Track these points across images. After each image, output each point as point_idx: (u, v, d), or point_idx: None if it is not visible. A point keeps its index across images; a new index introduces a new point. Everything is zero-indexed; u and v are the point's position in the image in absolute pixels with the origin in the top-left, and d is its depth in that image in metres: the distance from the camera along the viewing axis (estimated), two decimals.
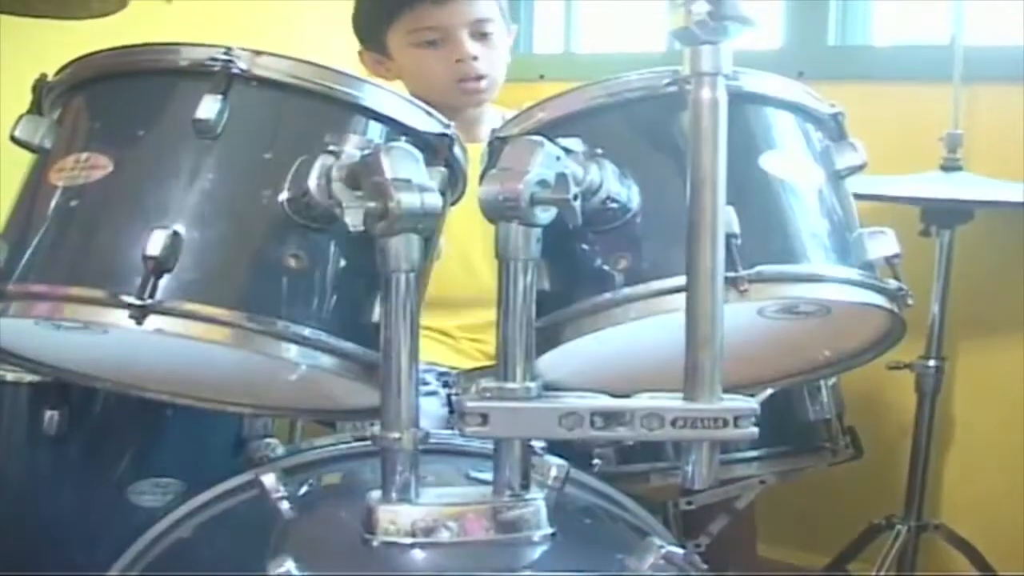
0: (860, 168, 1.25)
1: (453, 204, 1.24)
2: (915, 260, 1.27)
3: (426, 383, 1.70)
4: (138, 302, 1.04)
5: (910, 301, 1.20)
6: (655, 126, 1.18)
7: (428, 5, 1.87)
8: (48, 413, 1.50)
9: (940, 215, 2.02)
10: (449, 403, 1.67)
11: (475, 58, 1.87)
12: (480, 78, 1.89)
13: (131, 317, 1.05)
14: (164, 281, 1.06)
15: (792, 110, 1.24)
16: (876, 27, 2.49)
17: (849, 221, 1.22)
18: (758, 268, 1.10)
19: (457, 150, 1.22)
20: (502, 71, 1.93)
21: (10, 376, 1.52)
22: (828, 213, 1.20)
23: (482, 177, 1.17)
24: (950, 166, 2.04)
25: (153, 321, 1.06)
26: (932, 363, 2.09)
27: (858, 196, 1.27)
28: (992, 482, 2.26)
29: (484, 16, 1.89)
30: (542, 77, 2.78)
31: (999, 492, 2.24)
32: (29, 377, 1.50)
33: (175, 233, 1.06)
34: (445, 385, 1.72)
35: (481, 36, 1.89)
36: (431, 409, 1.65)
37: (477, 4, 1.89)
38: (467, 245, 1.64)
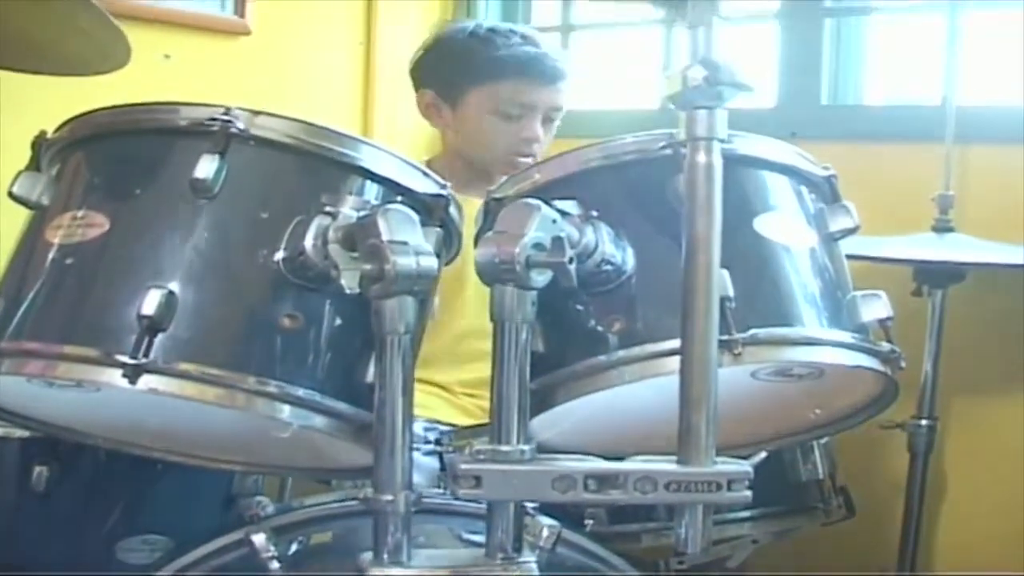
0: (853, 231, 1.26)
1: (448, 263, 1.25)
2: (908, 319, 1.28)
3: (428, 441, 1.70)
4: (132, 361, 1.04)
5: (903, 364, 1.21)
6: (650, 189, 1.18)
7: (528, 82, 1.90)
8: (37, 469, 1.49)
9: (932, 276, 2.03)
10: (441, 461, 1.67)
11: (538, 142, 1.93)
12: (529, 156, 1.93)
13: (125, 376, 1.05)
14: (159, 340, 1.06)
15: (786, 173, 1.25)
16: (868, 87, 2.51)
17: (842, 283, 1.23)
18: (752, 331, 1.10)
19: (453, 210, 1.22)
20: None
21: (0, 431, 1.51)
22: (822, 276, 1.21)
23: (477, 239, 1.18)
24: (942, 227, 2.04)
25: (147, 380, 1.06)
26: (924, 423, 2.08)
27: (850, 256, 1.29)
28: (985, 542, 2.25)
29: (560, 104, 1.94)
30: None
31: (992, 552, 2.23)
32: (19, 432, 1.49)
33: (170, 292, 1.07)
34: (438, 442, 1.72)
35: (548, 121, 1.94)
36: (424, 465, 1.65)
37: (563, 91, 1.94)
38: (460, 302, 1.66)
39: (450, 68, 1.97)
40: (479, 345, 1.76)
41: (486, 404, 1.83)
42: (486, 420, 1.70)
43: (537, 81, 1.90)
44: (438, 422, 1.78)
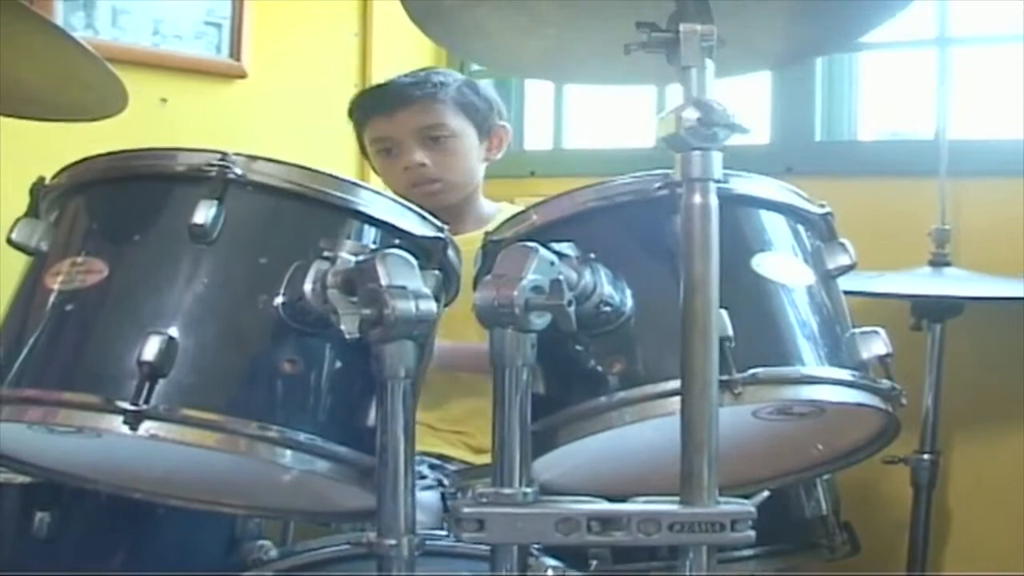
0: (850, 268, 1.26)
1: (447, 305, 1.25)
2: (907, 353, 1.28)
3: (423, 476, 1.70)
4: (133, 407, 1.05)
5: (904, 401, 1.21)
6: (647, 230, 1.19)
7: (379, 117, 1.96)
8: (39, 515, 1.48)
9: (930, 310, 2.03)
10: (443, 500, 1.67)
11: (422, 164, 1.92)
12: (434, 181, 1.93)
13: (126, 423, 1.05)
14: (159, 386, 1.06)
15: (783, 211, 1.26)
16: (861, 122, 2.52)
17: (841, 321, 1.24)
18: (752, 371, 1.11)
19: (451, 253, 1.23)
20: (462, 173, 1.96)
21: (0, 477, 1.50)
22: (820, 313, 1.22)
23: (475, 281, 1.18)
24: (939, 261, 2.05)
25: (148, 427, 1.06)
26: (927, 457, 2.08)
27: (848, 293, 1.29)
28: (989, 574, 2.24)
29: (432, 122, 1.94)
30: (532, 173, 2.81)
31: None
32: (20, 478, 1.48)
33: (170, 338, 1.07)
34: (440, 483, 1.72)
35: (432, 140, 1.93)
36: (430, 502, 1.65)
37: (428, 111, 1.94)
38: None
39: (355, 128, 2.04)
40: (464, 379, 1.77)
41: (472, 440, 1.85)
42: (473, 456, 1.71)
43: (383, 113, 1.95)
44: (425, 454, 1.79)
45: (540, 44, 1.26)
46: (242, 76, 2.52)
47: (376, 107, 1.97)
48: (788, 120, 2.49)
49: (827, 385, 1.17)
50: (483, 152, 2.00)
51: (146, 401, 1.05)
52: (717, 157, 1.03)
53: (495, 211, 1.99)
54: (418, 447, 1.72)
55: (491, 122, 2.00)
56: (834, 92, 2.49)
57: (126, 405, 1.05)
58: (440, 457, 1.83)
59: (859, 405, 1.19)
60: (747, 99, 2.46)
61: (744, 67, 1.28)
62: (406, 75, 2.01)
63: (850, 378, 1.18)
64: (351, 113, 2.03)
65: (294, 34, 2.63)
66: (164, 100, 2.38)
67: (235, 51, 2.52)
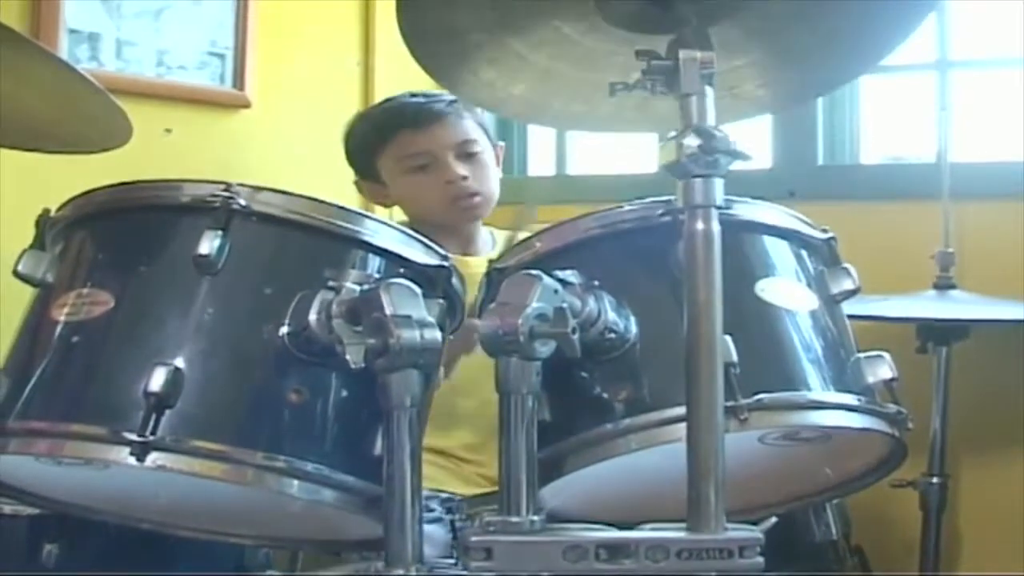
0: (854, 293, 1.27)
1: (451, 333, 1.26)
2: (914, 376, 1.28)
3: (431, 510, 1.69)
4: (140, 439, 1.05)
5: (910, 425, 1.21)
6: (650, 256, 1.20)
7: (410, 132, 1.92)
8: (47, 547, 1.48)
9: (936, 333, 2.03)
10: (453, 530, 1.67)
11: (464, 178, 1.91)
12: (474, 195, 1.93)
13: (132, 454, 1.06)
14: (166, 417, 1.06)
15: (786, 237, 1.26)
16: (863, 146, 2.53)
17: (846, 346, 1.24)
18: (758, 396, 1.11)
19: (455, 281, 1.23)
20: (495, 186, 1.98)
21: (7, 508, 1.50)
22: (825, 338, 1.22)
23: (480, 309, 1.18)
24: (943, 284, 2.05)
25: (155, 458, 1.06)
26: (935, 480, 2.07)
27: (853, 317, 1.29)
28: None
29: (468, 137, 1.94)
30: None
31: None
32: (28, 510, 1.49)
33: (177, 369, 1.08)
34: (449, 511, 1.72)
35: (468, 156, 1.93)
36: (437, 536, 1.65)
37: (459, 126, 1.94)
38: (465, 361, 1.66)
39: (355, 151, 2.02)
40: (468, 404, 1.77)
41: (490, 472, 1.85)
42: (487, 487, 1.70)
43: (417, 128, 1.92)
44: (440, 491, 1.78)
45: (543, 93, 1.27)
46: (246, 106, 2.52)
47: (405, 122, 1.94)
48: (790, 144, 2.50)
49: (833, 410, 1.17)
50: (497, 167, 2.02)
51: (152, 432, 1.05)
52: (719, 183, 1.03)
53: (490, 235, 2.00)
54: (434, 484, 1.77)
55: (492, 139, 2.02)
56: (835, 116, 2.50)
57: (133, 436, 1.05)
58: (455, 495, 1.81)
59: (865, 430, 1.19)
60: (748, 124, 2.47)
61: (739, 114, 1.29)
62: (410, 94, 1.99)
63: (856, 403, 1.18)
64: (369, 133, 1.98)
65: (297, 63, 2.64)
66: (168, 131, 2.38)
67: (238, 81, 2.53)
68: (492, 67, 1.20)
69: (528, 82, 1.23)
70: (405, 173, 1.95)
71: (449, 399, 1.79)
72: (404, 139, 1.93)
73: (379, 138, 1.96)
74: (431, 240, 1.25)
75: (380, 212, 2.04)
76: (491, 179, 1.96)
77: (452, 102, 1.93)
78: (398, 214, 2.02)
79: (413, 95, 1.98)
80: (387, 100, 2.03)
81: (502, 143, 2.07)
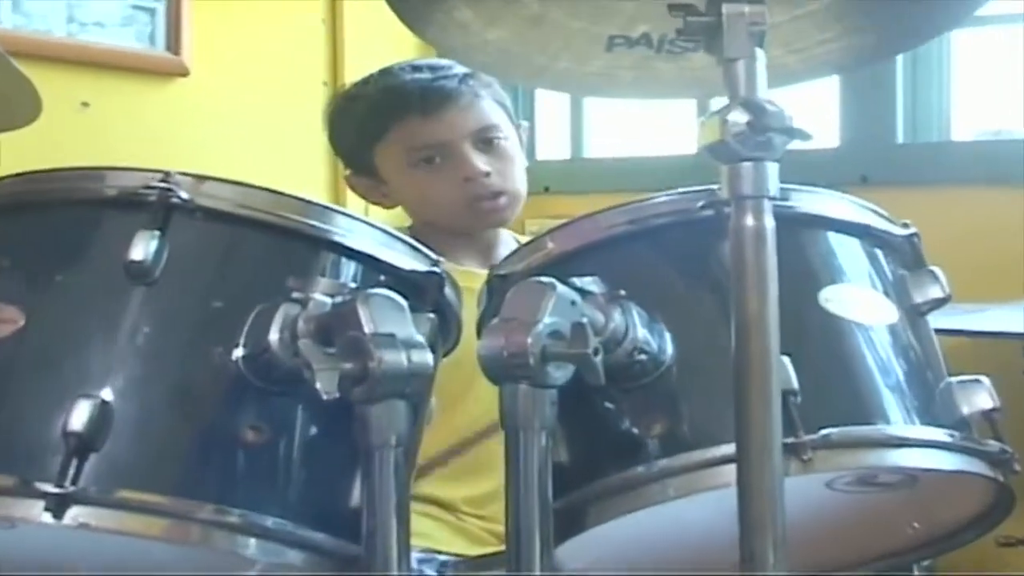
0: (943, 302, 1.28)
1: (446, 355, 1.28)
2: (1020, 406, 1.28)
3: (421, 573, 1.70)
4: (57, 490, 1.05)
5: (1017, 467, 1.22)
6: (689, 259, 1.22)
7: (418, 118, 1.92)
8: None
9: None
10: None
11: (487, 174, 1.91)
12: (498, 195, 1.93)
13: (48, 509, 1.06)
14: (90, 463, 1.07)
15: (857, 233, 1.28)
16: (955, 119, 2.54)
17: (933, 368, 1.26)
18: (823, 432, 1.12)
19: (449, 291, 1.25)
20: (522, 182, 1.98)
21: None
22: (907, 359, 1.24)
23: (480, 326, 1.20)
24: None
25: (76, 513, 1.06)
26: None
27: (941, 332, 1.31)
28: None
29: (489, 122, 1.95)
30: (547, 189, 2.82)
31: None
32: None
33: (103, 402, 1.08)
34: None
35: (489, 146, 1.94)
36: None
37: (478, 109, 1.94)
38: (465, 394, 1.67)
39: (342, 140, 2.04)
40: (486, 450, 1.78)
41: (499, 527, 1.85)
42: (500, 547, 1.71)
43: (427, 114, 1.92)
44: (437, 551, 1.79)
45: (524, 42, 1.28)
46: (183, 73, 2.54)
47: (411, 106, 1.93)
48: (862, 119, 2.52)
49: (918, 448, 1.18)
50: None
51: (73, 482, 1.06)
52: (773, 169, 1.04)
53: (515, 242, 1.99)
54: (427, 542, 1.78)
55: (515, 119, 2.03)
56: (919, 83, 2.51)
57: (48, 487, 1.05)
58: (453, 556, 1.81)
59: (960, 472, 1.20)
60: (809, 95, 2.48)
61: (797, 79, 1.30)
62: (412, 67, 1.98)
63: (947, 439, 1.19)
64: (364, 120, 1.99)
65: (246, 20, 2.64)
66: (85, 104, 2.40)
67: (172, 42, 2.53)
68: (471, 6, 1.21)
69: (510, 28, 1.24)
70: (411, 167, 1.95)
71: (460, 444, 1.81)
72: (410, 127, 1.93)
73: (377, 126, 1.97)
74: (437, 246, 1.26)
75: (377, 214, 2.04)
76: (517, 174, 1.97)
77: (466, 76, 1.93)
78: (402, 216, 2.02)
79: (416, 67, 1.98)
80: (383, 74, 2.01)
81: (524, 122, 2.08)
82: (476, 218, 1.94)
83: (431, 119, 1.92)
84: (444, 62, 1.97)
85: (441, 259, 1.26)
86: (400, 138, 1.95)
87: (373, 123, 1.97)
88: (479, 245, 1.95)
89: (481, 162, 1.92)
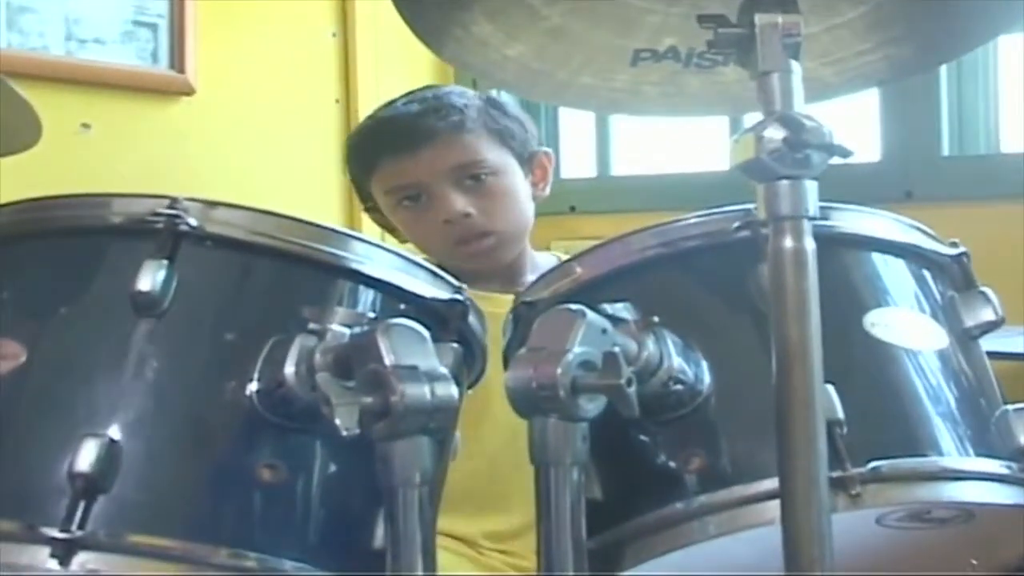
0: (996, 325, 1.29)
1: (471, 387, 1.28)
2: None
3: None
4: (64, 535, 1.06)
5: None
6: (725, 283, 1.22)
7: (390, 158, 1.94)
8: None
9: None
10: None
11: (467, 214, 1.92)
12: (484, 235, 1.94)
13: (54, 555, 1.06)
14: (99, 505, 1.07)
15: (902, 254, 1.28)
16: (1004, 130, 2.53)
17: (987, 395, 1.26)
18: (872, 465, 1.12)
19: (473, 319, 1.26)
20: (516, 219, 1.98)
21: None
22: (959, 386, 1.24)
23: (506, 358, 1.20)
24: None
25: (84, 560, 1.06)
26: None
27: (994, 355, 1.31)
28: None
29: (470, 158, 1.94)
30: (573, 209, 2.82)
31: None
32: None
33: (112, 441, 1.09)
34: None
35: (472, 183, 1.94)
36: None
37: (459, 145, 1.94)
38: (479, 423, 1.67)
39: (351, 174, 2.06)
40: (511, 482, 1.78)
41: (526, 563, 1.86)
42: None
43: (401, 153, 1.94)
44: None
45: (545, 57, 1.28)
46: (187, 92, 2.54)
47: (386, 146, 1.96)
48: (905, 130, 2.51)
49: (974, 481, 1.18)
50: (528, 188, 2.01)
51: (80, 526, 1.06)
52: (812, 187, 1.04)
53: (555, 259, 1.99)
54: None
55: (530, 148, 2.02)
56: (965, 91, 2.51)
57: (54, 532, 1.05)
58: None
59: (1019, 507, 1.20)
60: (849, 105, 2.48)
61: (836, 92, 1.30)
62: (409, 99, 2.00)
63: (1005, 471, 1.19)
64: (349, 161, 2.04)
65: (254, 35, 2.65)
66: (86, 126, 2.40)
67: (176, 59, 2.53)
68: (491, 21, 1.21)
69: (530, 42, 1.24)
70: (396, 209, 1.98)
71: (484, 477, 1.81)
72: (386, 167, 1.96)
73: (363, 164, 2.01)
74: (458, 270, 1.26)
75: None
76: (508, 211, 1.96)
77: (456, 109, 1.93)
78: None
79: (412, 100, 1.99)
80: (385, 105, 2.04)
81: (547, 149, 2.07)
82: (462, 260, 1.93)
83: (404, 158, 1.94)
84: (448, 89, 2.00)
85: (463, 286, 1.26)
86: (381, 179, 1.98)
87: (362, 160, 2.02)
88: (502, 268, 1.95)
89: (461, 203, 1.91)
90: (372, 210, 2.06)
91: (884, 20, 1.22)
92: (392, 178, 1.96)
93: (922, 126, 2.48)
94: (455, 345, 1.20)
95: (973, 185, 2.42)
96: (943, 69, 2.46)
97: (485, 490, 1.86)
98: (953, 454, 1.19)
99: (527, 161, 2.01)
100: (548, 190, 2.05)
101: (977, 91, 2.51)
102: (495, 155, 1.96)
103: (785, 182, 1.03)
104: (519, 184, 1.99)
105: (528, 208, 2.00)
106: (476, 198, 1.93)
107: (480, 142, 1.95)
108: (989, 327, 1.28)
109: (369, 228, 2.11)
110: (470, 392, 1.28)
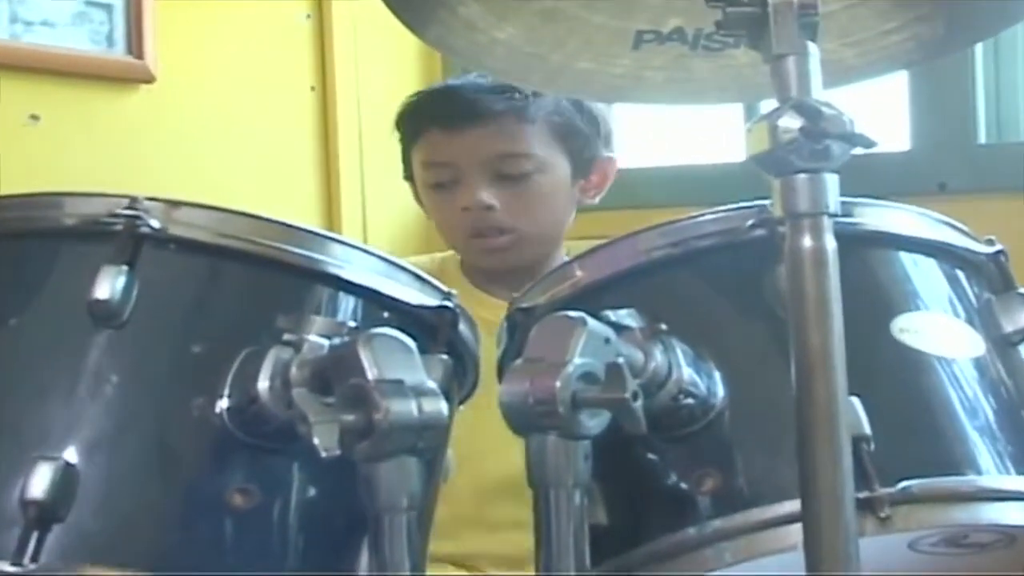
0: None
1: (463, 402, 1.29)
2: None
3: None
4: (14, 569, 1.06)
5: None
6: (739, 287, 1.23)
7: (437, 133, 1.98)
8: None
9: None
10: None
11: (488, 207, 1.94)
12: (501, 231, 1.96)
13: None
14: (53, 535, 1.07)
15: (933, 253, 1.29)
16: None
17: None
18: (903, 484, 1.12)
19: (464, 328, 1.26)
20: (545, 220, 2.01)
21: None
22: (998, 398, 1.24)
23: (500, 369, 1.20)
24: None
25: None
26: None
27: None
28: None
29: (510, 150, 1.97)
30: None
31: None
32: None
33: (67, 464, 1.09)
34: None
35: (506, 177, 1.96)
36: None
37: (505, 134, 1.97)
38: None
39: (400, 138, 2.08)
40: (514, 504, 1.79)
41: None
42: None
43: (445, 128, 1.97)
44: None
45: (537, 41, 1.29)
46: (147, 80, 2.53)
47: (434, 117, 2.00)
48: (938, 117, 2.51)
49: (1016, 502, 1.18)
50: (576, 193, 2.04)
51: (34, 558, 1.06)
52: (833, 181, 1.04)
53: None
54: None
55: (593, 152, 2.04)
56: (1003, 74, 2.51)
57: (5, 566, 1.06)
58: None
59: None
60: (875, 91, 2.49)
61: (859, 77, 1.31)
62: (464, 82, 2.03)
63: None
64: (398, 122, 2.06)
65: (220, 17, 2.64)
66: (35, 118, 2.40)
67: (134, 44, 2.52)
68: (479, 0, 1.22)
69: (521, 24, 1.25)
70: (425, 189, 2.03)
71: (484, 497, 1.82)
72: (429, 140, 2.00)
73: (411, 130, 2.04)
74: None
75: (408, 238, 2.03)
76: (536, 211, 1.99)
77: (525, 95, 1.94)
78: None
79: (473, 81, 2.01)
80: (461, 74, 2.08)
81: (612, 155, 2.08)
82: (476, 254, 1.98)
83: (447, 137, 1.97)
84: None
85: (453, 291, 1.27)
86: (422, 152, 2.02)
87: (411, 125, 2.04)
88: (520, 270, 1.93)
89: (486, 194, 1.95)
90: (411, 179, 2.08)
91: None
92: (432, 152, 2.00)
93: (956, 112, 2.48)
94: (444, 356, 1.20)
95: (1012, 176, 2.41)
96: (978, 49, 2.46)
97: (487, 512, 1.86)
98: (992, 472, 1.19)
99: (585, 164, 2.03)
100: (599, 197, 2.07)
101: (1016, 73, 2.51)
102: (546, 151, 1.99)
103: (803, 176, 1.03)
104: (560, 186, 2.01)
105: (564, 212, 2.03)
106: (505, 192, 1.96)
107: (535, 134, 1.98)
108: None
109: (349, 228, 2.11)
110: (462, 408, 1.28)
